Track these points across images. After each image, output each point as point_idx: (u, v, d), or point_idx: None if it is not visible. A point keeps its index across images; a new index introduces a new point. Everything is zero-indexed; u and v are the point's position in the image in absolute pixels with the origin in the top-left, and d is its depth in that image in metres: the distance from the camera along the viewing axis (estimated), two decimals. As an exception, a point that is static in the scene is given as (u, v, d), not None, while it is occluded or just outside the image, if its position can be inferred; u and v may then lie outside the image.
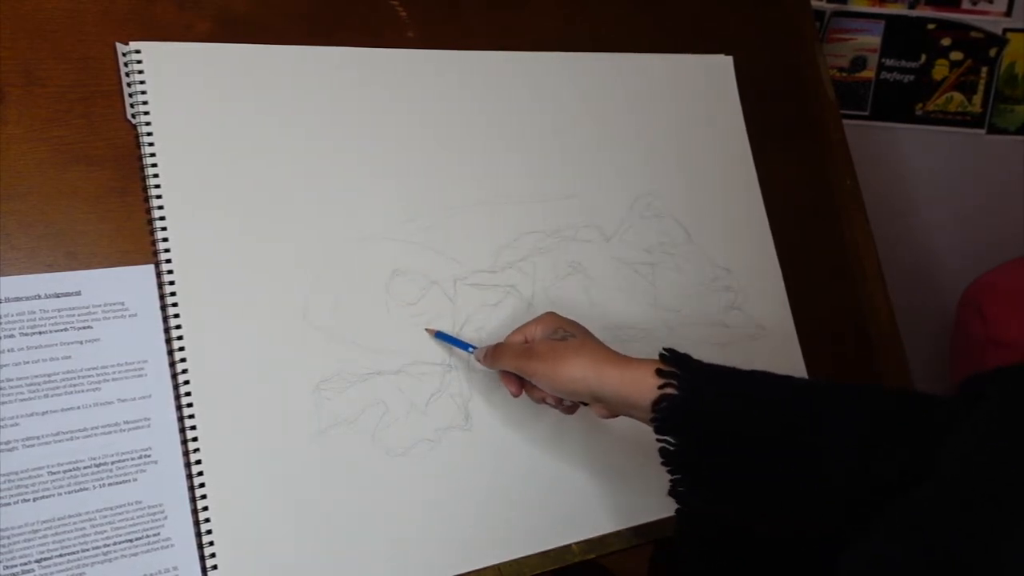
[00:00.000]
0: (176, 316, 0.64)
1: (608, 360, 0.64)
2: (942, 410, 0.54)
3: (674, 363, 0.62)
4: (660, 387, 0.61)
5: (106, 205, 0.65)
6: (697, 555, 0.70)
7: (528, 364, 0.66)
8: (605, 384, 0.63)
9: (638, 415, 0.63)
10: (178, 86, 0.68)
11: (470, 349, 0.73)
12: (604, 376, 0.63)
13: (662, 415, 0.60)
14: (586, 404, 0.67)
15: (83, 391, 0.61)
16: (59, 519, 0.59)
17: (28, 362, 0.60)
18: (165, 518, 0.62)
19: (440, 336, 0.73)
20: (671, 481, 0.62)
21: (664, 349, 0.64)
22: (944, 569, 0.43)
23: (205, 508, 0.63)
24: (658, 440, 0.61)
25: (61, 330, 0.62)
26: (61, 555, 0.58)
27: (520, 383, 0.70)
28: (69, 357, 0.61)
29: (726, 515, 0.64)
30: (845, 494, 0.55)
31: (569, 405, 0.69)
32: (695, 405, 0.60)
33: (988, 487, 0.45)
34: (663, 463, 0.62)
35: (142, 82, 0.67)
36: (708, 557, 0.70)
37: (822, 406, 0.58)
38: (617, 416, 0.65)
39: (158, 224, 0.65)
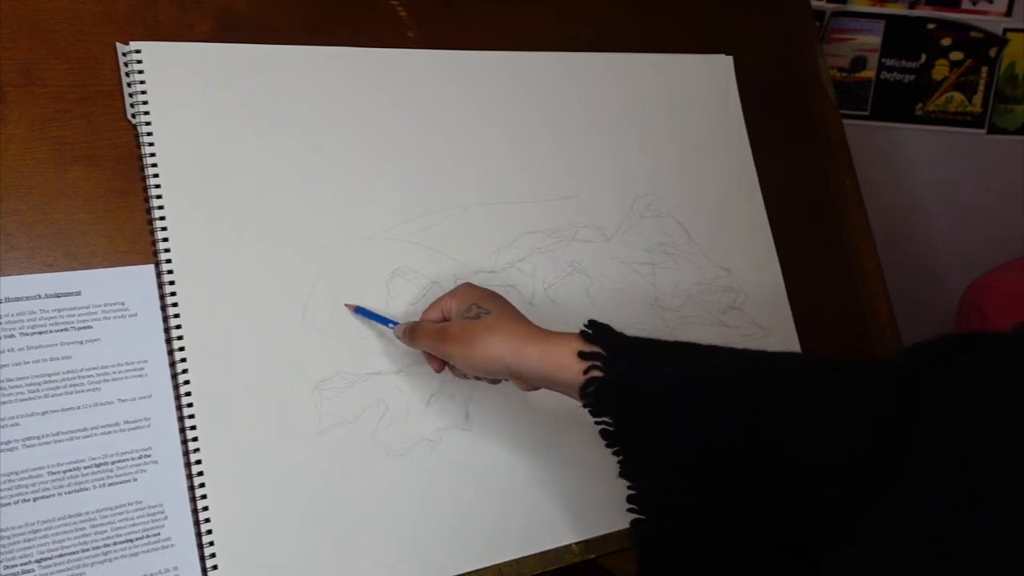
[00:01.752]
0: (176, 316, 0.64)
1: (525, 337, 0.62)
2: (898, 386, 0.52)
3: (597, 341, 0.60)
4: (586, 371, 0.59)
5: (106, 205, 0.65)
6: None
7: (444, 346, 0.64)
8: (523, 363, 0.61)
9: (561, 391, 0.62)
10: (178, 86, 0.68)
11: (390, 325, 0.70)
12: (522, 355, 0.61)
13: (593, 399, 0.59)
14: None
15: (83, 391, 0.61)
16: (59, 519, 0.59)
17: (28, 362, 0.60)
18: (165, 518, 0.62)
19: (360, 312, 0.71)
20: (618, 462, 0.61)
21: (585, 324, 0.62)
22: (940, 561, 0.43)
23: (205, 508, 0.63)
24: (596, 423, 0.60)
25: (61, 330, 0.62)
26: (61, 555, 0.58)
27: (441, 361, 0.68)
28: (69, 357, 0.61)
29: (679, 492, 0.61)
30: (792, 464, 0.54)
31: (490, 380, 0.68)
32: (624, 383, 0.58)
33: (973, 468, 0.44)
34: (606, 445, 0.61)
35: (142, 82, 0.67)
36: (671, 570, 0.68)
37: (758, 373, 0.57)
38: (538, 389, 0.64)
39: (158, 224, 0.65)
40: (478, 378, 0.68)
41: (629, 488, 0.64)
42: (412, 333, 0.68)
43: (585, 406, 0.60)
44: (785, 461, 0.54)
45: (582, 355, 0.60)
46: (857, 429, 0.52)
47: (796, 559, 0.58)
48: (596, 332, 0.61)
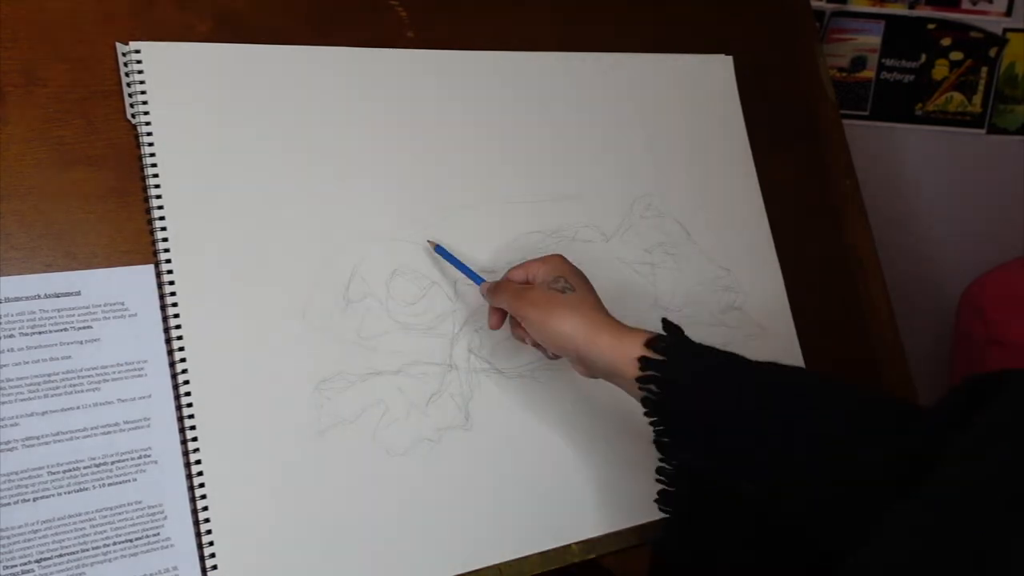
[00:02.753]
0: (176, 316, 0.64)
1: (602, 325, 0.63)
2: (939, 411, 0.54)
3: (661, 349, 0.61)
4: (643, 358, 0.60)
5: (106, 205, 0.65)
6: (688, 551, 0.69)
7: (522, 307, 0.66)
8: (593, 349, 0.62)
9: (620, 383, 0.63)
10: (178, 86, 0.68)
11: (480, 281, 0.72)
12: (595, 341, 0.62)
13: (645, 367, 0.60)
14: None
15: (83, 391, 0.61)
16: (59, 519, 0.59)
17: (28, 362, 0.60)
18: (165, 518, 0.62)
19: (440, 251, 0.72)
20: (655, 432, 0.62)
21: (662, 324, 0.63)
22: (955, 562, 0.43)
23: (205, 508, 0.63)
24: (641, 388, 0.61)
25: (61, 330, 0.62)
26: (61, 555, 0.58)
27: (502, 318, 0.70)
28: (69, 357, 0.61)
29: (710, 470, 0.63)
30: (828, 474, 0.55)
31: (550, 355, 0.69)
32: (679, 394, 0.59)
33: (997, 488, 0.44)
34: (646, 414, 0.61)
35: (142, 82, 0.67)
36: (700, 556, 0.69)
37: (813, 393, 0.58)
38: (595, 378, 0.65)
39: (158, 224, 0.65)
40: (537, 346, 0.68)
41: (660, 460, 0.66)
42: (495, 289, 0.69)
43: (635, 379, 0.61)
44: (819, 471, 0.56)
45: (643, 360, 0.60)
46: (898, 450, 0.54)
47: (815, 555, 0.60)
48: (665, 337, 0.62)
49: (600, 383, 0.79)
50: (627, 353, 0.61)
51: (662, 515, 0.77)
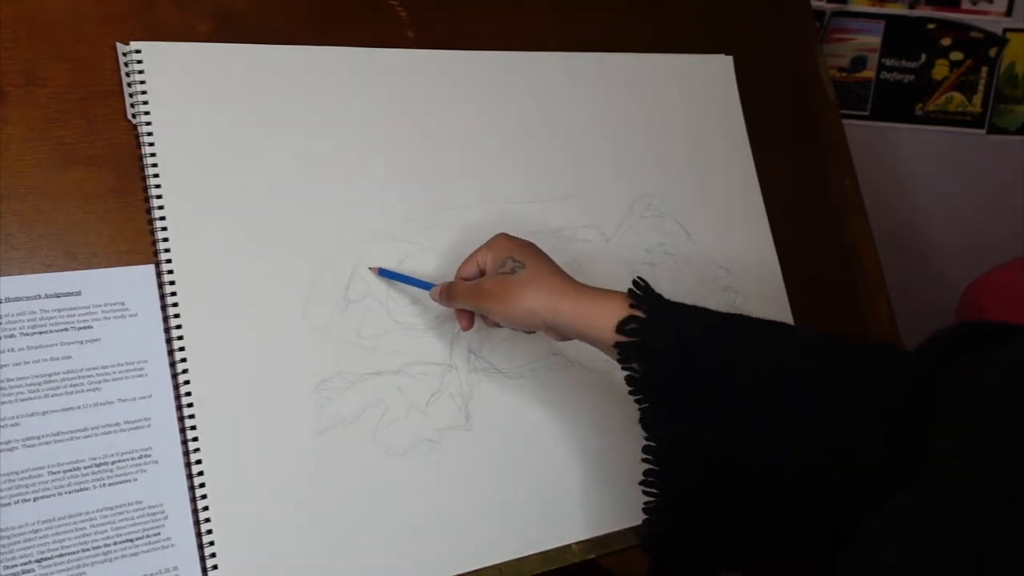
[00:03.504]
0: (176, 316, 0.64)
1: (560, 291, 0.63)
2: (921, 364, 0.54)
3: (638, 305, 0.61)
4: (619, 328, 0.60)
5: (106, 205, 0.65)
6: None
7: (480, 303, 0.66)
8: (559, 316, 0.62)
9: (593, 344, 0.63)
10: (178, 86, 0.68)
11: (429, 287, 0.71)
12: (556, 310, 0.62)
13: (624, 352, 0.60)
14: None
15: (83, 391, 0.61)
16: (59, 519, 0.59)
17: (28, 362, 0.60)
18: (165, 518, 0.62)
19: (385, 274, 0.71)
20: (640, 410, 0.61)
21: (636, 279, 0.63)
22: (955, 559, 0.43)
23: (205, 508, 0.63)
24: (623, 368, 0.61)
25: (61, 330, 0.62)
26: (61, 555, 0.58)
27: (471, 318, 0.70)
28: (69, 357, 0.61)
29: (700, 443, 0.62)
30: (820, 433, 0.55)
31: (526, 331, 0.69)
32: (658, 344, 0.59)
33: (997, 478, 0.44)
34: (630, 392, 0.61)
35: (142, 82, 0.67)
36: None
37: (802, 346, 0.58)
38: (571, 340, 0.65)
39: (158, 224, 0.65)
40: (514, 328, 0.68)
41: (646, 439, 0.65)
42: (448, 293, 0.69)
43: (615, 346, 0.60)
44: (804, 430, 0.56)
45: (622, 324, 0.60)
46: (875, 410, 0.54)
47: (808, 532, 0.61)
48: (638, 294, 0.61)
49: (601, 383, 0.79)
50: (594, 321, 0.61)
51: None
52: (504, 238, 0.68)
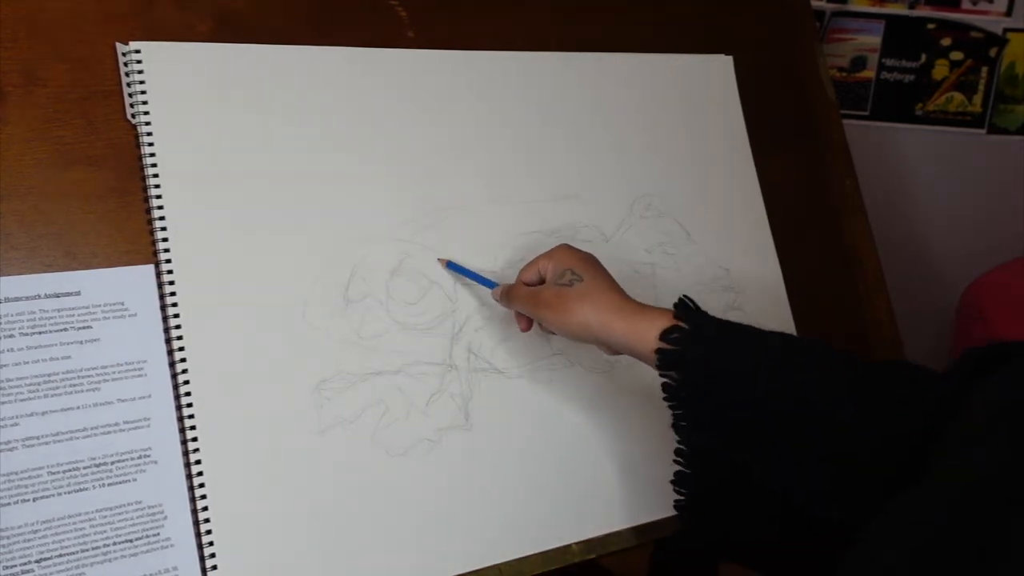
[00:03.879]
0: (176, 316, 0.64)
1: (614, 309, 0.64)
2: (944, 386, 0.55)
3: (681, 317, 0.62)
4: (666, 331, 0.61)
5: (106, 205, 0.65)
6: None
7: (537, 311, 0.68)
8: (609, 335, 0.64)
9: (642, 358, 0.64)
10: (178, 86, 0.68)
11: (490, 285, 0.74)
12: (610, 327, 0.64)
13: (664, 354, 0.61)
14: None
15: (83, 391, 0.61)
16: (59, 519, 0.59)
17: (28, 362, 0.60)
18: (165, 518, 0.62)
19: (452, 267, 0.74)
20: (673, 415, 0.63)
21: (682, 297, 0.64)
22: (955, 559, 0.43)
23: (205, 508, 0.63)
24: (661, 376, 0.62)
25: (61, 330, 0.62)
26: (61, 555, 0.58)
27: (529, 321, 0.72)
28: (69, 357, 0.61)
29: (726, 453, 0.64)
30: (841, 459, 0.57)
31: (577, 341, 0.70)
32: (696, 355, 0.60)
33: (996, 478, 0.44)
34: (665, 398, 0.62)
35: (142, 82, 0.67)
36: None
37: (830, 372, 0.59)
38: (620, 355, 0.67)
39: (158, 224, 0.65)
40: (566, 337, 0.69)
41: (678, 443, 0.68)
42: (508, 295, 0.71)
43: (655, 352, 0.62)
44: (832, 445, 0.57)
45: (665, 333, 0.61)
46: (900, 430, 0.55)
47: (826, 534, 0.62)
48: (682, 310, 0.63)
49: (601, 384, 0.79)
50: (642, 336, 0.62)
51: (661, 516, 0.77)
52: (566, 249, 0.70)
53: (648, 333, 0.62)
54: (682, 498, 0.71)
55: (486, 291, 0.75)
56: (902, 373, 0.59)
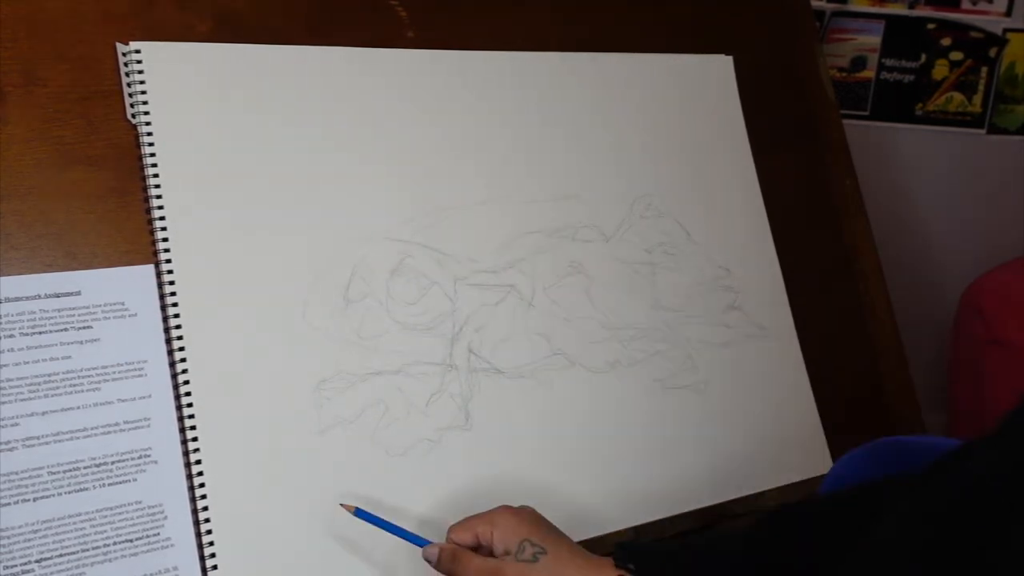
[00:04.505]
0: (176, 316, 0.64)
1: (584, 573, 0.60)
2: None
3: (630, 559, 0.61)
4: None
5: (106, 205, 0.65)
6: None
7: None
8: None
9: None
10: (178, 86, 0.68)
11: (422, 544, 0.64)
12: None
13: None
14: None
15: (83, 391, 0.61)
16: (59, 519, 0.59)
17: (28, 362, 0.60)
18: (165, 518, 0.62)
19: (361, 515, 0.64)
20: None
21: (615, 549, 0.62)
22: (955, 560, 0.43)
23: (205, 508, 0.63)
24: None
25: (61, 330, 0.62)
26: (61, 555, 0.58)
27: None
28: (69, 357, 0.61)
29: None
30: None
31: None
32: None
33: (996, 479, 0.44)
34: None
35: (142, 82, 0.67)
36: None
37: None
38: None
39: (158, 224, 0.65)
40: None
41: None
42: (455, 560, 0.62)
43: None
44: None
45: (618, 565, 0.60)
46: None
47: None
48: (625, 553, 0.62)
49: (601, 384, 0.79)
50: None
51: (661, 516, 0.77)
52: (511, 514, 0.63)
53: None
54: None
55: (486, 291, 0.75)
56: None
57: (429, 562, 0.63)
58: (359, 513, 0.64)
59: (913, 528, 0.46)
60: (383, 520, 0.64)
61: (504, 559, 0.61)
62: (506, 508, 0.64)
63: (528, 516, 0.63)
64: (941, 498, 0.46)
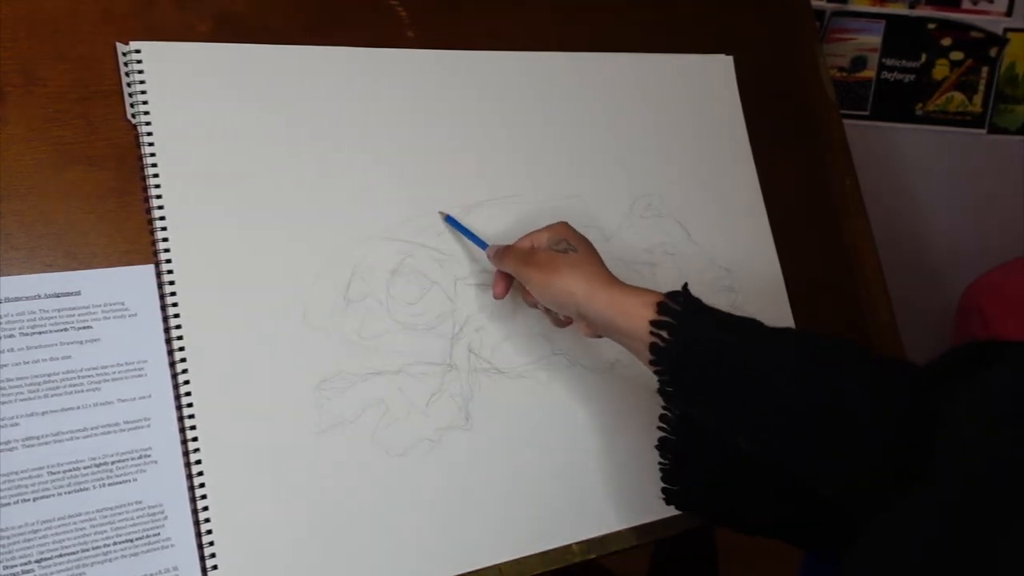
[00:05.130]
0: (176, 316, 0.64)
1: (601, 281, 0.65)
2: (939, 373, 0.55)
3: (673, 300, 0.62)
4: (659, 304, 0.61)
5: (106, 205, 0.65)
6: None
7: (525, 269, 0.68)
8: (592, 304, 0.64)
9: (623, 340, 0.64)
10: (178, 86, 0.68)
11: (485, 246, 0.74)
12: (593, 296, 0.64)
13: (657, 323, 0.61)
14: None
15: (83, 391, 0.61)
16: (59, 519, 0.59)
17: (28, 362, 0.60)
18: (165, 518, 0.62)
19: (450, 221, 0.75)
20: (659, 380, 0.62)
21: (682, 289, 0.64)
22: (957, 558, 0.43)
23: (205, 508, 0.63)
24: (652, 333, 0.61)
25: (61, 330, 0.61)
26: (61, 555, 0.58)
27: (507, 285, 0.73)
28: (69, 357, 0.61)
29: (707, 420, 0.64)
30: (835, 430, 0.56)
31: (559, 317, 0.72)
32: (693, 315, 0.61)
33: (987, 485, 0.45)
34: (651, 361, 0.62)
35: (142, 82, 0.67)
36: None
37: (821, 346, 0.60)
38: (600, 337, 0.67)
39: (158, 224, 0.65)
40: (547, 310, 0.71)
41: (663, 408, 0.71)
42: (501, 253, 0.72)
43: (649, 322, 0.61)
44: (818, 426, 0.56)
45: (660, 302, 0.61)
46: (888, 411, 0.55)
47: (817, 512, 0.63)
48: (679, 294, 0.63)
49: (601, 384, 0.79)
50: (627, 311, 0.62)
51: (661, 516, 0.77)
52: (565, 225, 0.72)
53: (633, 308, 0.62)
54: (666, 463, 0.72)
55: (486, 291, 0.75)
56: (895, 361, 0.59)
57: (489, 259, 0.74)
58: (448, 219, 0.76)
59: (913, 528, 0.46)
60: (463, 226, 0.75)
61: (542, 248, 0.70)
62: (565, 222, 0.72)
63: (578, 232, 0.72)
64: (941, 497, 0.46)
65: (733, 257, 0.90)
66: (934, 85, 1.55)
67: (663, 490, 0.74)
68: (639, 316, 0.62)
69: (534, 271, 0.68)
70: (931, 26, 1.52)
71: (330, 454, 0.68)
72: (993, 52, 1.53)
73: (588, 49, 0.87)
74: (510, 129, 0.82)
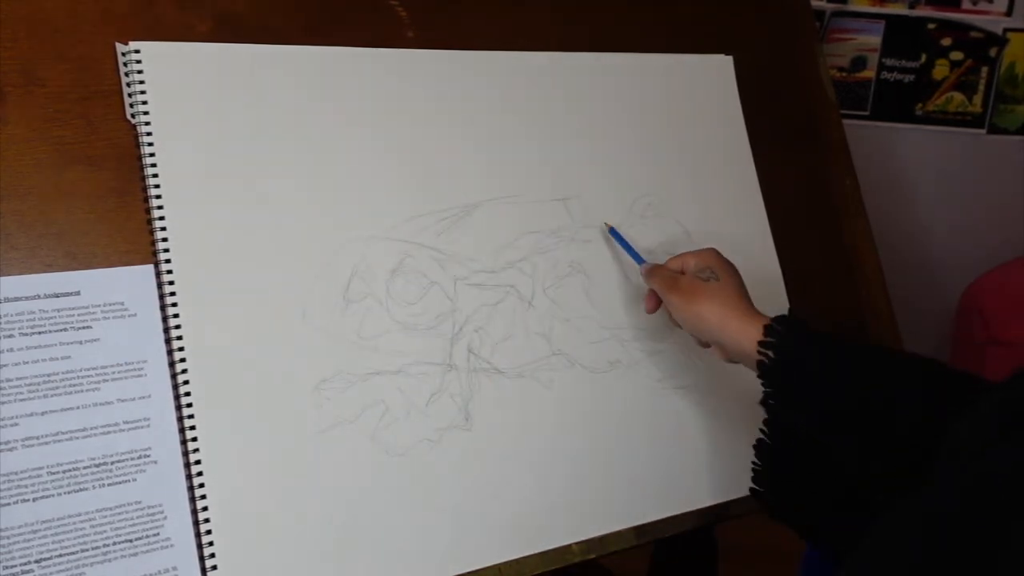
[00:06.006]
0: (176, 316, 0.64)
1: (736, 312, 0.70)
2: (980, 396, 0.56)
3: (780, 323, 0.68)
4: (768, 326, 0.68)
5: (106, 205, 0.65)
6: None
7: (669, 294, 0.74)
8: (725, 332, 0.70)
9: (748, 364, 0.69)
10: (178, 86, 0.68)
11: (642, 262, 0.79)
12: (725, 326, 0.70)
13: (765, 344, 0.67)
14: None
15: (83, 391, 0.61)
16: (59, 519, 0.59)
17: (28, 362, 0.60)
18: (165, 518, 0.62)
19: (614, 234, 0.80)
20: (764, 393, 0.69)
21: (791, 310, 0.72)
22: (958, 559, 0.43)
23: (205, 508, 0.63)
24: (759, 352, 0.68)
25: (61, 330, 0.61)
26: (61, 555, 0.58)
27: (657, 303, 0.78)
28: (69, 357, 0.61)
29: (807, 427, 0.69)
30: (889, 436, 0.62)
31: (699, 342, 0.76)
32: (796, 338, 0.67)
33: (988, 486, 0.45)
34: (759, 375, 0.68)
35: (142, 82, 0.67)
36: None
37: (900, 379, 0.65)
38: (735, 363, 0.72)
39: (158, 224, 0.65)
40: (687, 330, 0.76)
41: (767, 415, 0.76)
42: (650, 272, 0.77)
43: (757, 343, 0.68)
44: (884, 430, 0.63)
45: (770, 324, 0.68)
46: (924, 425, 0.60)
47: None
48: (784, 318, 0.70)
49: (601, 384, 0.79)
50: (747, 334, 0.68)
51: (661, 516, 0.77)
52: (713, 252, 0.76)
53: (751, 333, 0.68)
54: (758, 466, 0.77)
55: (486, 291, 0.75)
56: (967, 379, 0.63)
57: (641, 274, 0.79)
58: (612, 231, 0.81)
59: (915, 529, 0.46)
60: (625, 240, 0.80)
61: (688, 275, 0.75)
62: (714, 249, 0.77)
63: (726, 260, 0.76)
64: (943, 498, 0.46)
65: (733, 257, 0.89)
66: (934, 85, 1.55)
67: (750, 489, 0.79)
68: (753, 339, 0.68)
69: (675, 296, 0.73)
70: (931, 26, 1.52)
71: (330, 454, 0.68)
72: (993, 52, 1.53)
73: (588, 49, 0.87)
74: (509, 129, 0.82)
